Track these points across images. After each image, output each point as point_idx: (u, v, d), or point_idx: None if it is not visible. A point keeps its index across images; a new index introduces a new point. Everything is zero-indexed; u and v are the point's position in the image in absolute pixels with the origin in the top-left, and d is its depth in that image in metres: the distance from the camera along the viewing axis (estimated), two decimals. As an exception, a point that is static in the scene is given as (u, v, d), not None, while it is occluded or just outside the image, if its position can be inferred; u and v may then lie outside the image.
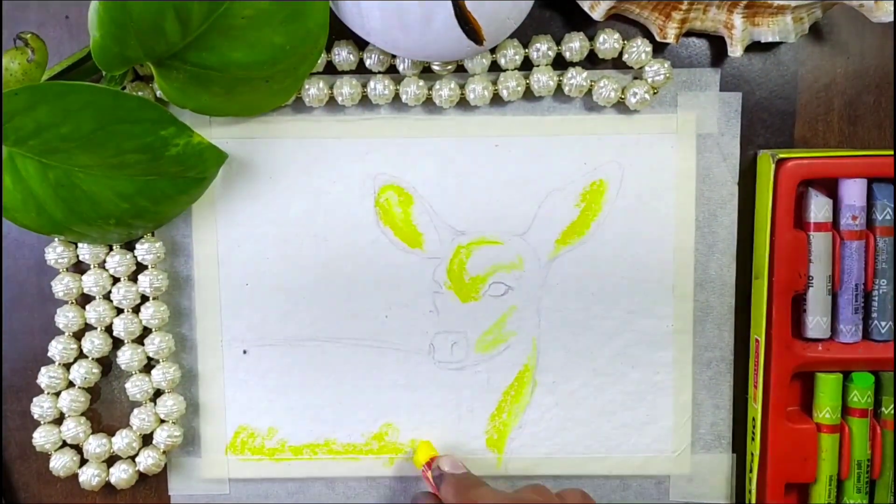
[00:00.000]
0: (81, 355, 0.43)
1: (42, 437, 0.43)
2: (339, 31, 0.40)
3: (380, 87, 0.41)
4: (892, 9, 0.38)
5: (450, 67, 0.41)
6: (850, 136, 0.44)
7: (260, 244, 0.44)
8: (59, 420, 0.43)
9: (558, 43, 0.42)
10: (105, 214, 0.39)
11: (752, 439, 0.44)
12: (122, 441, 0.43)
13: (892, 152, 0.41)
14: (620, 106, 0.43)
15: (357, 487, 0.46)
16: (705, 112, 0.43)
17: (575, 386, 0.44)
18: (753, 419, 0.43)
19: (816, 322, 0.42)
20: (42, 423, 0.43)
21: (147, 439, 0.44)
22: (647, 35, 0.42)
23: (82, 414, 0.43)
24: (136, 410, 0.44)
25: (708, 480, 0.45)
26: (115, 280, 0.43)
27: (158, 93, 0.41)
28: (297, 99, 0.42)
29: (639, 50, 0.41)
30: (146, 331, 0.43)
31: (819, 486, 0.43)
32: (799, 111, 0.44)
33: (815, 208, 0.41)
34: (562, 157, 0.43)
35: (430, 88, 0.42)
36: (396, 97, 0.42)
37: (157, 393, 0.44)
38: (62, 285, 0.42)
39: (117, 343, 0.43)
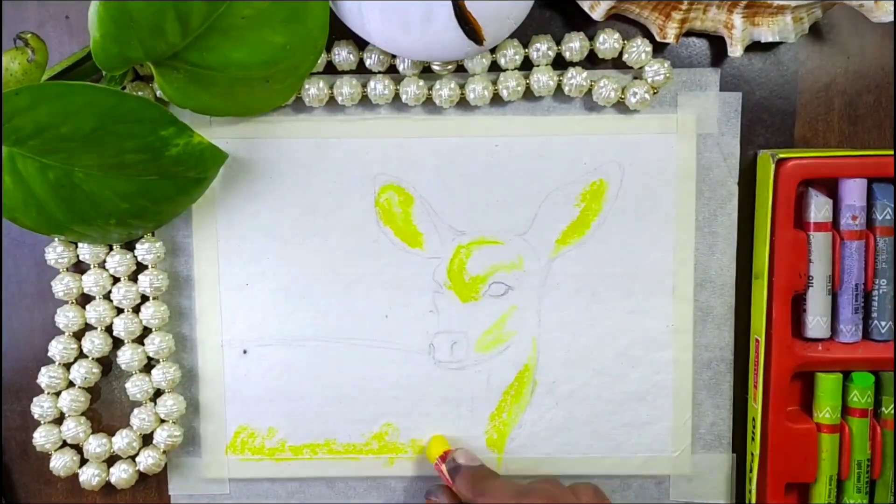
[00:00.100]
0: (81, 355, 0.43)
1: (42, 437, 0.43)
2: (339, 31, 0.40)
3: (380, 87, 0.41)
4: (892, 9, 0.38)
5: (450, 67, 0.41)
6: (850, 136, 0.44)
7: (260, 244, 0.44)
8: (59, 420, 0.43)
9: (558, 43, 0.42)
10: (105, 214, 0.39)
11: (752, 439, 0.44)
12: (122, 441, 0.43)
13: (892, 152, 0.41)
14: (620, 106, 0.43)
15: (357, 487, 0.46)
16: (705, 112, 0.43)
17: (575, 386, 0.44)
18: (753, 419, 0.43)
19: (816, 322, 0.42)
20: (42, 422, 0.43)
21: (147, 439, 0.44)
22: (647, 35, 0.42)
23: (82, 414, 0.43)
24: (136, 410, 0.44)
25: (708, 480, 0.45)
26: (116, 280, 0.43)
27: (158, 93, 0.41)
28: (297, 99, 0.42)
29: (639, 50, 0.41)
30: (146, 331, 0.43)
31: (819, 485, 0.43)
32: (799, 111, 0.44)
33: (815, 208, 0.41)
34: (562, 157, 0.43)
35: (430, 88, 0.42)
36: (396, 97, 0.42)
37: (158, 393, 0.44)
38: (62, 285, 0.42)
39: (117, 343, 0.43)
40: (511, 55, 0.41)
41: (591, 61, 0.42)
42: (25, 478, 0.45)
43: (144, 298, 0.43)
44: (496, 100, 0.42)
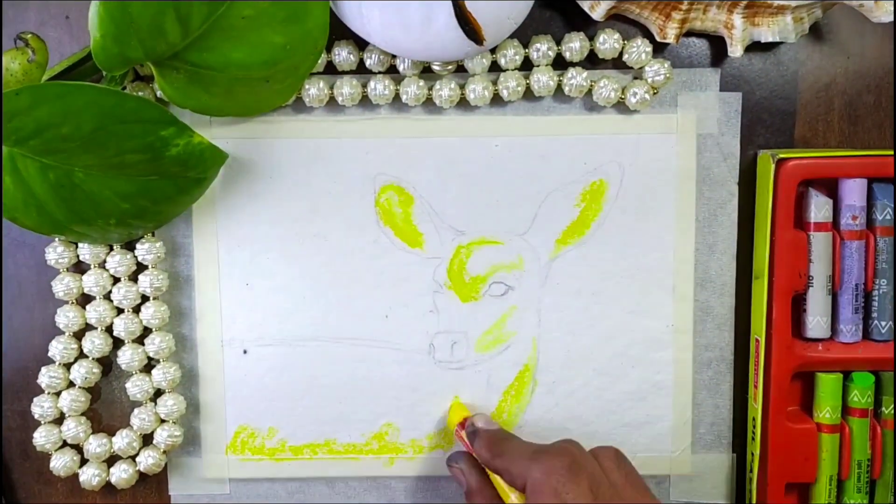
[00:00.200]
0: (82, 355, 0.43)
1: (42, 437, 0.43)
2: (340, 31, 0.40)
3: (380, 87, 0.41)
4: (892, 9, 0.38)
5: (450, 67, 0.41)
6: (850, 136, 0.44)
7: (260, 244, 0.44)
8: (59, 420, 0.43)
9: (558, 43, 0.42)
10: (105, 214, 0.39)
11: (753, 439, 0.44)
12: (122, 441, 0.43)
13: (892, 152, 0.41)
14: (620, 106, 0.43)
15: (357, 487, 0.46)
16: (705, 112, 0.43)
17: (575, 386, 0.44)
18: (753, 419, 0.43)
19: (816, 322, 0.42)
20: (42, 422, 0.43)
21: (147, 439, 0.44)
22: (647, 35, 0.42)
23: (82, 414, 0.43)
24: (136, 410, 0.44)
25: (708, 480, 0.45)
26: (116, 280, 0.43)
27: (159, 93, 0.41)
28: (297, 99, 0.42)
29: (639, 50, 0.41)
30: (146, 331, 0.43)
31: (819, 485, 0.43)
32: (799, 111, 0.44)
33: (815, 208, 0.41)
34: (562, 157, 0.43)
35: (430, 88, 0.42)
36: (396, 97, 0.42)
37: (158, 393, 0.44)
38: (62, 285, 0.42)
39: (117, 343, 0.43)
40: (511, 55, 0.41)
41: (591, 61, 0.42)
42: (25, 478, 0.45)
43: (145, 298, 0.43)
44: (496, 100, 0.42)
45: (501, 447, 0.39)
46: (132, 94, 0.38)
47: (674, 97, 0.43)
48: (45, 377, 0.42)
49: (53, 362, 0.43)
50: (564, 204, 0.43)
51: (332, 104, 0.42)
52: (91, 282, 0.42)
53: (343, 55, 0.41)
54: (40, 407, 0.43)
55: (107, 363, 0.44)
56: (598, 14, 0.40)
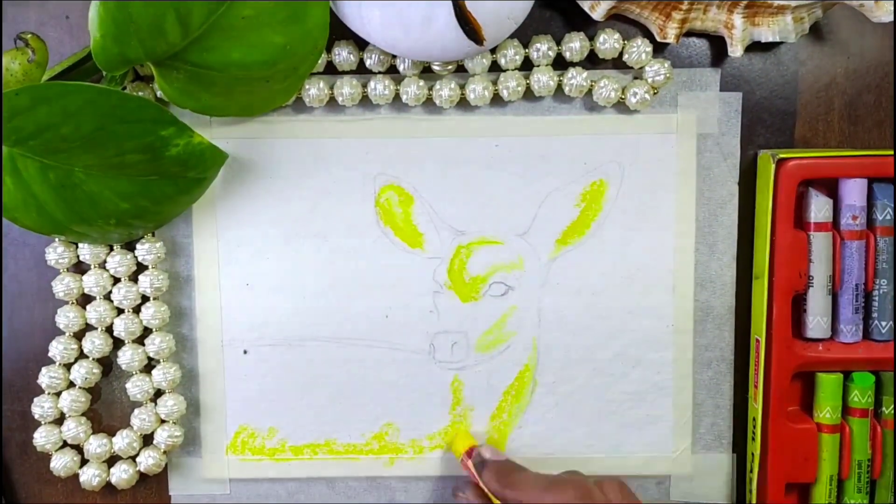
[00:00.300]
0: (82, 355, 0.43)
1: (43, 438, 0.43)
2: (340, 31, 0.40)
3: (380, 88, 0.41)
4: (892, 9, 0.38)
5: (450, 67, 0.41)
6: (850, 135, 0.44)
7: (260, 244, 0.44)
8: (59, 420, 0.43)
9: (558, 43, 0.42)
10: (105, 214, 0.39)
11: (753, 439, 0.44)
12: (122, 441, 0.43)
13: (892, 152, 0.41)
14: (620, 106, 0.43)
15: (357, 487, 0.46)
16: (705, 112, 0.43)
17: (575, 386, 0.44)
18: (754, 419, 0.43)
19: (817, 322, 0.42)
20: (43, 423, 0.43)
21: (147, 439, 0.44)
22: (648, 35, 0.42)
23: (83, 414, 0.43)
24: (136, 410, 0.44)
25: (708, 480, 0.45)
26: (116, 280, 0.43)
27: (159, 93, 0.41)
28: (298, 99, 0.42)
29: (639, 50, 0.41)
30: (147, 331, 0.43)
31: (819, 485, 0.43)
32: (799, 111, 0.44)
33: (815, 208, 0.41)
34: (562, 157, 0.43)
35: (430, 88, 0.42)
36: (396, 97, 0.42)
37: (158, 393, 0.44)
38: (63, 285, 0.42)
39: (118, 343, 0.43)
40: (511, 55, 0.41)
41: (592, 61, 0.42)
42: (26, 478, 0.45)
43: (145, 299, 0.43)
44: (496, 100, 0.42)
45: (511, 479, 0.39)
46: (132, 94, 0.38)
47: (674, 97, 0.43)
48: (46, 377, 0.42)
49: (54, 362, 0.43)
50: (564, 204, 0.43)
51: (332, 104, 0.42)
52: (91, 282, 0.42)
53: (343, 55, 0.41)
54: (40, 407, 0.43)
55: (107, 363, 0.44)
56: (598, 14, 0.40)
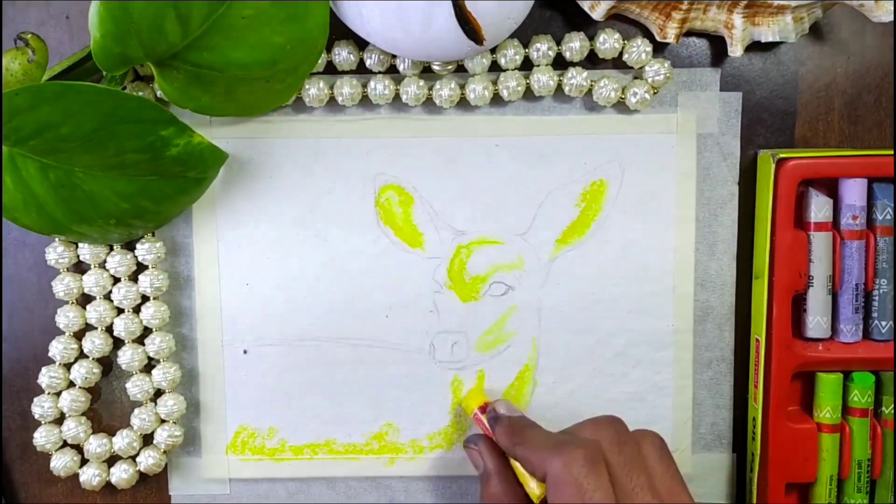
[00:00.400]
0: (82, 355, 0.43)
1: (43, 437, 0.43)
2: (340, 31, 0.40)
3: (380, 87, 0.41)
4: (892, 8, 0.38)
5: (450, 67, 0.41)
6: (850, 135, 0.44)
7: (260, 244, 0.44)
8: (59, 420, 0.43)
9: (558, 43, 0.42)
10: (105, 214, 0.39)
11: (753, 439, 0.44)
12: (122, 441, 0.43)
13: (892, 152, 0.41)
14: (620, 106, 0.43)
15: (357, 487, 0.46)
16: (705, 112, 0.43)
17: (575, 386, 0.44)
18: (754, 419, 0.43)
19: (817, 322, 0.42)
20: (43, 423, 0.43)
21: (147, 439, 0.44)
22: (648, 35, 0.42)
23: (83, 414, 0.43)
24: (136, 410, 0.44)
25: (708, 480, 0.45)
26: (116, 280, 0.43)
27: (159, 93, 0.41)
28: (298, 99, 0.42)
29: (639, 50, 0.41)
30: (147, 331, 0.43)
31: (819, 485, 0.43)
32: (799, 111, 0.44)
33: (815, 208, 0.41)
34: (562, 157, 0.43)
35: (430, 88, 0.42)
36: (396, 97, 0.42)
37: (158, 393, 0.44)
38: (63, 285, 0.42)
39: (118, 343, 0.43)
40: (511, 55, 0.41)
41: (592, 61, 0.42)
42: (26, 478, 0.45)
43: (145, 298, 0.43)
44: (496, 100, 0.42)
45: (523, 435, 0.38)
46: (132, 94, 0.38)
47: (674, 97, 0.43)
48: (46, 377, 0.42)
49: (53, 362, 0.43)
50: (564, 204, 0.43)
51: (332, 104, 0.42)
52: (91, 282, 0.42)
53: (343, 55, 0.41)
54: (40, 407, 0.43)
55: (107, 363, 0.44)
56: (598, 14, 0.40)
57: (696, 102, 0.43)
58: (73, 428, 0.43)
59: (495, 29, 0.37)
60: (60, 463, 0.43)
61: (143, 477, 0.44)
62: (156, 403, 0.44)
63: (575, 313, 0.44)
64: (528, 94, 0.42)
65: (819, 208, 0.41)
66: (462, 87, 0.42)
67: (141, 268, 0.43)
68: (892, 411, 0.43)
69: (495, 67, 0.42)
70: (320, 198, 0.43)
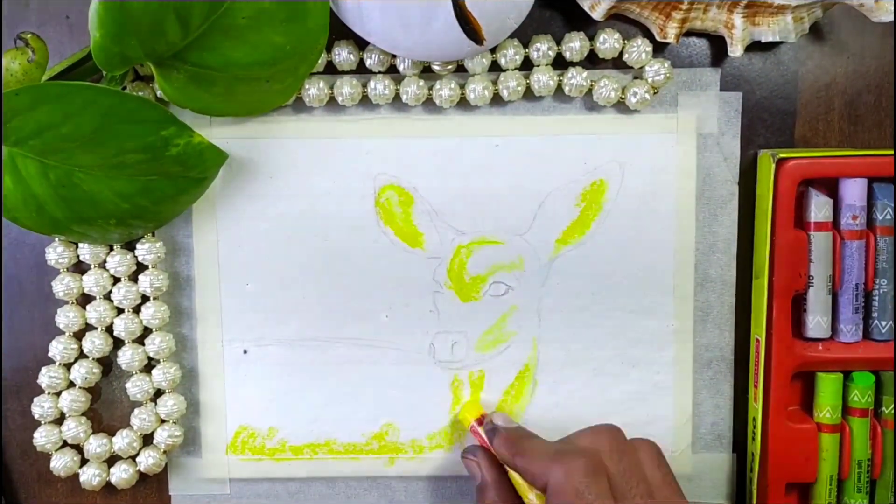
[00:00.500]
0: (82, 355, 0.43)
1: (43, 437, 0.43)
2: (340, 31, 0.40)
3: (380, 87, 0.41)
4: (893, 9, 0.38)
5: (450, 67, 0.41)
6: (850, 135, 0.44)
7: (260, 244, 0.44)
8: (59, 420, 0.43)
9: (558, 43, 0.42)
10: (105, 214, 0.39)
11: (753, 439, 0.44)
12: (122, 441, 0.43)
13: (892, 152, 0.41)
14: (620, 106, 0.43)
15: (357, 487, 0.46)
16: (706, 112, 0.43)
17: (575, 386, 0.44)
18: (754, 419, 0.43)
19: (817, 322, 0.42)
20: (43, 422, 0.43)
21: (147, 439, 0.44)
22: (648, 35, 0.42)
23: (83, 414, 0.43)
24: (136, 410, 0.44)
25: (708, 480, 0.45)
26: (116, 280, 0.43)
27: (159, 93, 0.41)
28: (298, 99, 0.42)
29: (639, 50, 0.41)
30: (147, 331, 0.43)
31: (819, 485, 0.43)
32: (799, 111, 0.44)
33: (815, 208, 0.41)
34: (562, 157, 0.43)
35: (430, 88, 0.42)
36: (396, 97, 0.42)
37: (158, 393, 0.44)
38: (63, 285, 0.42)
39: (118, 343, 0.43)
40: (511, 55, 0.41)
41: (592, 61, 0.42)
42: (26, 478, 0.45)
43: (145, 298, 0.43)
44: (496, 100, 0.42)
45: (522, 446, 0.38)
46: (132, 94, 0.38)
47: (674, 97, 0.43)
48: (46, 377, 0.42)
49: (53, 362, 0.43)
50: (564, 204, 0.43)
51: (332, 104, 0.42)
52: (91, 282, 0.42)
53: (343, 55, 0.41)
54: (40, 407, 0.43)
55: (107, 363, 0.44)
56: (598, 14, 0.40)
57: (696, 102, 0.43)
58: (73, 428, 0.43)
59: (495, 29, 0.37)
60: (60, 463, 0.43)
61: (143, 477, 0.44)
62: (156, 403, 0.44)
63: (575, 313, 0.44)
64: (528, 94, 0.42)
65: (819, 208, 0.41)
66: (462, 87, 0.42)
67: (141, 268, 0.43)
68: (892, 411, 0.43)
69: (495, 67, 0.42)
70: (320, 198, 0.43)
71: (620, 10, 0.40)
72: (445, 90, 0.41)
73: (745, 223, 0.44)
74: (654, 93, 0.42)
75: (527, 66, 0.42)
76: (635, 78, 0.42)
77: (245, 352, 0.44)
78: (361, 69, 0.42)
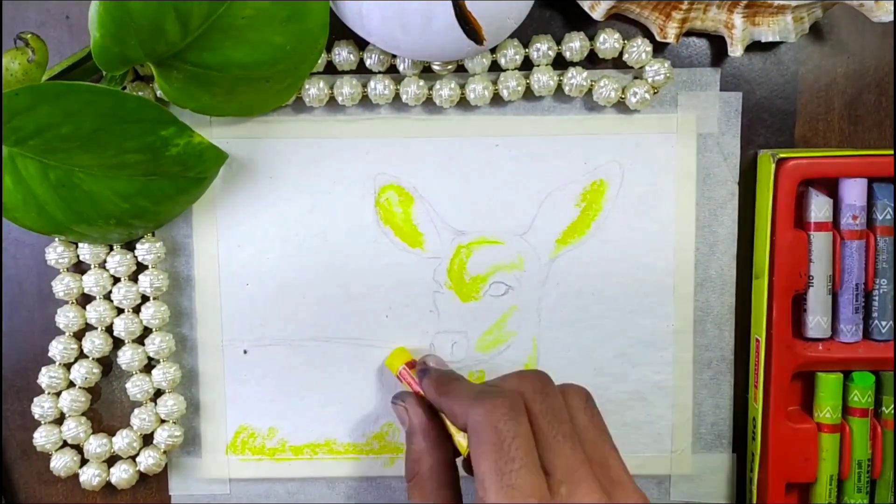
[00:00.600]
0: (82, 355, 0.43)
1: (42, 437, 0.43)
2: (340, 31, 0.40)
3: (380, 87, 0.41)
4: (893, 8, 0.38)
5: (450, 67, 0.41)
6: (850, 135, 0.44)
7: (260, 244, 0.44)
8: (59, 420, 0.43)
9: (558, 43, 0.42)
10: (105, 214, 0.39)
11: (753, 439, 0.44)
12: (122, 441, 0.43)
13: (892, 152, 0.41)
14: (620, 106, 0.43)
15: (358, 487, 0.46)
16: (705, 112, 0.43)
17: (575, 386, 0.44)
18: (754, 419, 0.43)
19: (817, 322, 0.42)
20: (42, 423, 0.43)
21: (147, 439, 0.44)
22: (648, 35, 0.42)
23: (83, 414, 0.43)
24: (136, 410, 0.44)
25: (708, 480, 0.45)
26: (116, 280, 0.43)
27: (159, 93, 0.41)
28: (298, 99, 0.42)
29: (639, 50, 0.41)
30: (147, 331, 0.43)
31: (819, 485, 0.43)
32: (799, 111, 0.44)
33: (815, 208, 0.41)
34: (562, 157, 0.43)
35: (430, 88, 0.42)
36: (396, 97, 0.42)
37: (158, 393, 0.44)
38: (62, 285, 0.42)
39: (118, 343, 0.43)
40: (511, 55, 0.41)
41: (592, 61, 0.42)
42: (26, 478, 0.45)
43: (145, 298, 0.43)
44: (496, 100, 0.42)
45: (448, 387, 0.38)
46: (132, 94, 0.38)
47: (674, 97, 0.43)
48: (45, 377, 0.42)
49: (53, 362, 0.43)
50: (564, 204, 0.43)
51: (332, 104, 0.42)
52: (91, 282, 0.42)
53: (343, 55, 0.41)
54: (40, 407, 0.43)
55: (107, 363, 0.44)
56: (598, 14, 0.40)
57: (696, 102, 0.43)
58: (73, 428, 0.43)
59: (495, 29, 0.37)
60: (60, 463, 0.43)
61: (143, 477, 0.44)
62: (156, 403, 0.44)
63: (575, 313, 0.44)
64: (528, 94, 0.42)
65: (819, 208, 0.41)
66: (462, 87, 0.42)
67: (141, 268, 0.43)
68: (893, 411, 0.43)
69: (495, 67, 0.42)
70: (320, 198, 0.43)
71: (620, 10, 0.40)
72: (445, 90, 0.41)
73: (745, 223, 0.44)
74: (654, 93, 0.42)
75: (527, 66, 0.42)
76: (635, 78, 0.42)
77: (245, 352, 0.44)
78: (361, 69, 0.42)
